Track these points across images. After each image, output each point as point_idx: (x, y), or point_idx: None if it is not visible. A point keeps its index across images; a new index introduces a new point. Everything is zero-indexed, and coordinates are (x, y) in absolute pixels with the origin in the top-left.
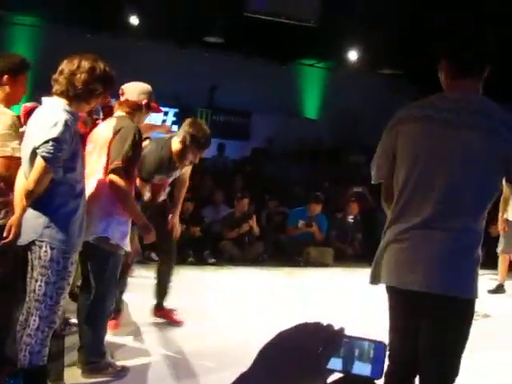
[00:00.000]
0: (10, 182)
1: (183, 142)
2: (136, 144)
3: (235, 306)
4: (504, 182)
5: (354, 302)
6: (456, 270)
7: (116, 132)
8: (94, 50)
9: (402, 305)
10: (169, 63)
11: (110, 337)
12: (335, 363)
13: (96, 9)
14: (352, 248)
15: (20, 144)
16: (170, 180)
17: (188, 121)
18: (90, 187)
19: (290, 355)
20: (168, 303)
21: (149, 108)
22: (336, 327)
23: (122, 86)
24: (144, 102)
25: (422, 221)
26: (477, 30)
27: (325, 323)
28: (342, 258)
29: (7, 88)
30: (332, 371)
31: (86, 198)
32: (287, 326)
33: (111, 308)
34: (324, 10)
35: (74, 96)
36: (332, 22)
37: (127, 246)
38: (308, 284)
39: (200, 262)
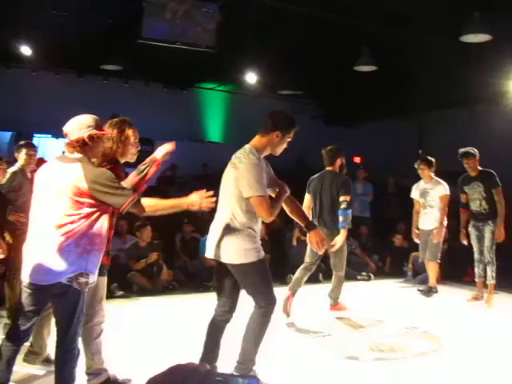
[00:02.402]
0: None
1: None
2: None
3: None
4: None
5: None
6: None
7: (93, 182)
8: None
9: None
10: (66, 93)
11: None
12: None
13: None
14: None
15: None
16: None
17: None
18: (54, 235)
19: None
20: None
21: (93, 139)
22: (208, 366)
23: (63, 128)
24: (86, 136)
25: None
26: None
27: (197, 362)
28: None
29: None
30: None
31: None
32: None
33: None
34: (220, 34)
35: None
36: (229, 46)
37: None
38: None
39: (107, 295)
